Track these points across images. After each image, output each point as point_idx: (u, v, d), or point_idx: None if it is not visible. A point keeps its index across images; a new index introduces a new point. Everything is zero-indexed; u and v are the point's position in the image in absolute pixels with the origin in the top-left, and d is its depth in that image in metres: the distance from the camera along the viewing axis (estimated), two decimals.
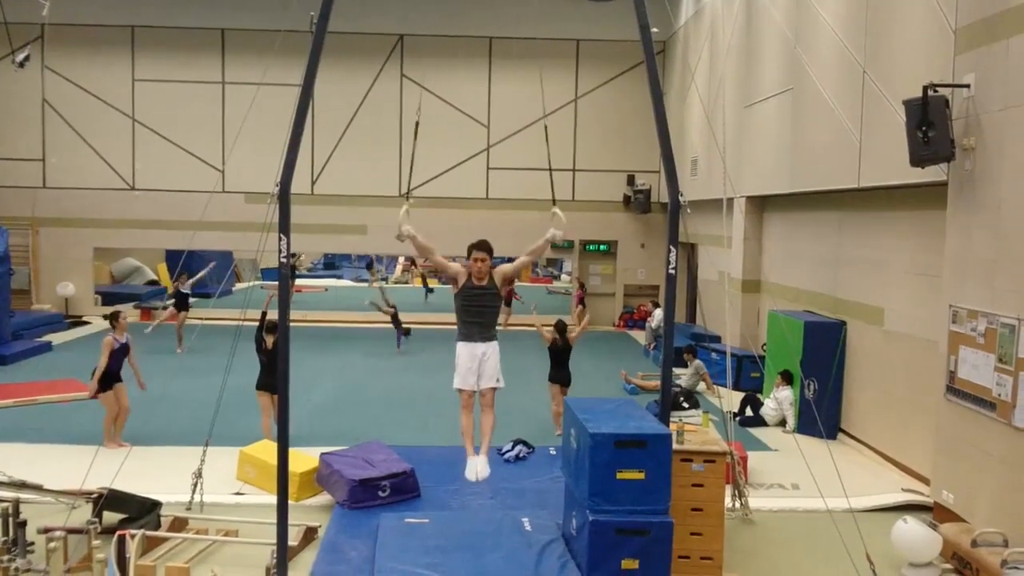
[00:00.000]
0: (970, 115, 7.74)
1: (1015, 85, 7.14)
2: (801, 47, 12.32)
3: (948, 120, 7.64)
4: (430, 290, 28.77)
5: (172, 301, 17.27)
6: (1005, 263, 7.30)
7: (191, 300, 17.37)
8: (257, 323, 10.53)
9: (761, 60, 14.33)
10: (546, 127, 8.10)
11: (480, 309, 7.07)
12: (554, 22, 21.26)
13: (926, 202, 9.33)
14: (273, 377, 9.34)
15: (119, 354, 10.36)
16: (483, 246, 7.13)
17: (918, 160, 7.94)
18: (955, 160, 7.84)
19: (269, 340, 10.11)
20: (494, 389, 7.14)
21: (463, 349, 7.08)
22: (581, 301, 22.12)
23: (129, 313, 22.02)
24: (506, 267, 7.34)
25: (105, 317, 11.10)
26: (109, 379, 10.23)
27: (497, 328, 7.26)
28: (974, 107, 7.69)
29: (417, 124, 7.88)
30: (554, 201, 7.79)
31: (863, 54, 10.24)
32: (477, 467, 7.01)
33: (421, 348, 17.93)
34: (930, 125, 7.65)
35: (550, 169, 8.05)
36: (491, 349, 7.09)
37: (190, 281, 17.45)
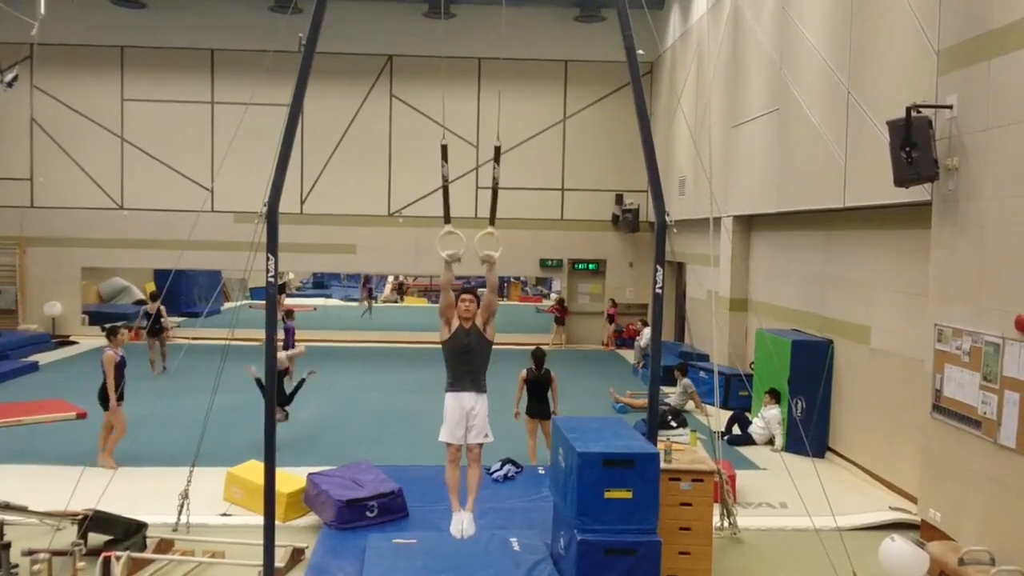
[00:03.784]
0: (953, 135, 7.82)
1: (997, 106, 7.23)
2: (787, 68, 12.45)
3: (931, 140, 7.71)
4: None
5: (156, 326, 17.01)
6: (989, 282, 7.36)
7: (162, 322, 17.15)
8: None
9: (747, 81, 14.47)
10: (497, 148, 7.45)
11: (469, 356, 6.82)
12: (543, 43, 21.45)
13: (911, 221, 9.41)
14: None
15: (121, 368, 10.29)
16: (468, 291, 7.05)
17: (902, 180, 8.02)
18: (939, 180, 7.91)
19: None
20: (481, 445, 6.97)
21: (452, 401, 6.82)
22: (612, 319, 22.17)
23: None
24: (485, 305, 6.97)
25: (103, 329, 10.98)
26: (117, 396, 10.15)
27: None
28: (957, 128, 7.77)
29: (444, 148, 7.25)
30: (492, 222, 7.31)
31: (847, 75, 10.36)
32: (463, 523, 6.78)
33: (407, 368, 17.89)
34: (914, 145, 7.73)
35: (494, 188, 7.51)
36: (480, 404, 6.82)
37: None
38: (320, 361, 17.04)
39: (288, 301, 31.06)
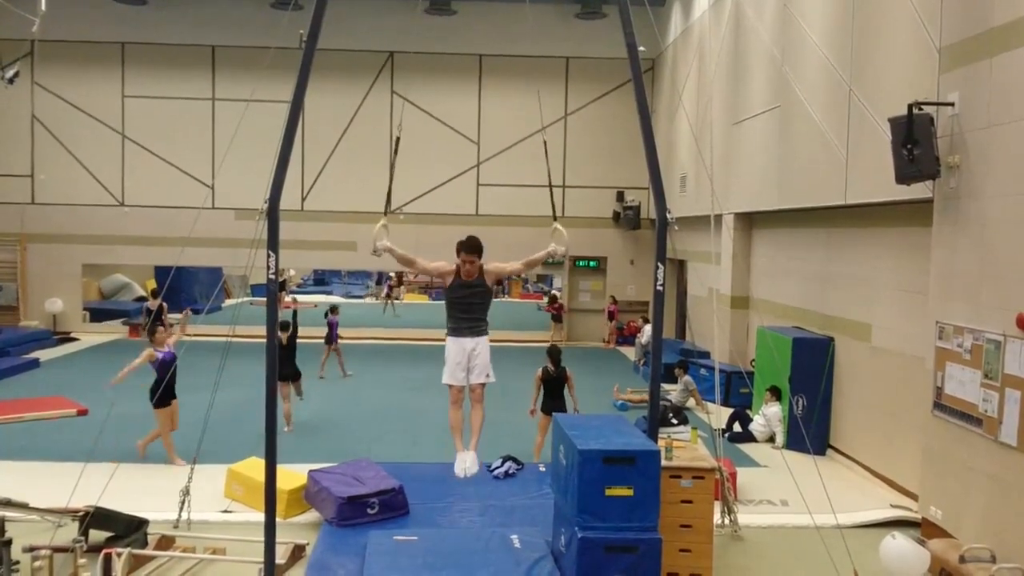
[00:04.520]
0: (955, 133, 7.81)
1: (999, 103, 7.22)
2: (788, 65, 12.43)
3: (933, 138, 7.70)
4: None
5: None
6: (990, 279, 7.35)
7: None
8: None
9: (749, 78, 14.45)
10: (545, 143, 8.15)
11: (469, 305, 6.99)
12: (544, 40, 21.41)
13: (912, 219, 9.40)
14: (287, 367, 11.72)
15: (167, 367, 10.11)
16: (472, 247, 6.99)
17: (903, 177, 8.01)
18: (940, 177, 7.90)
19: (283, 336, 11.55)
20: (484, 384, 7.06)
21: (452, 344, 6.99)
22: (612, 316, 22.19)
23: (116, 330, 22.10)
24: (500, 266, 7.18)
25: (149, 334, 10.93)
26: (165, 395, 10.02)
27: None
28: (959, 125, 7.76)
29: (398, 139, 7.84)
30: (555, 217, 7.69)
31: (849, 73, 10.34)
32: (466, 462, 6.92)
33: (408, 365, 17.88)
34: (915, 143, 7.72)
35: (550, 185, 8.01)
36: (481, 344, 6.98)
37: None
38: (319, 358, 17.14)
39: (288, 298, 31.06)
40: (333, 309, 16.98)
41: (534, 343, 20.44)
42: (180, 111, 21.60)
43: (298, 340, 12.43)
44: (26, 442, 11.09)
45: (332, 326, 16.38)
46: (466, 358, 6.95)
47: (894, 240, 10.11)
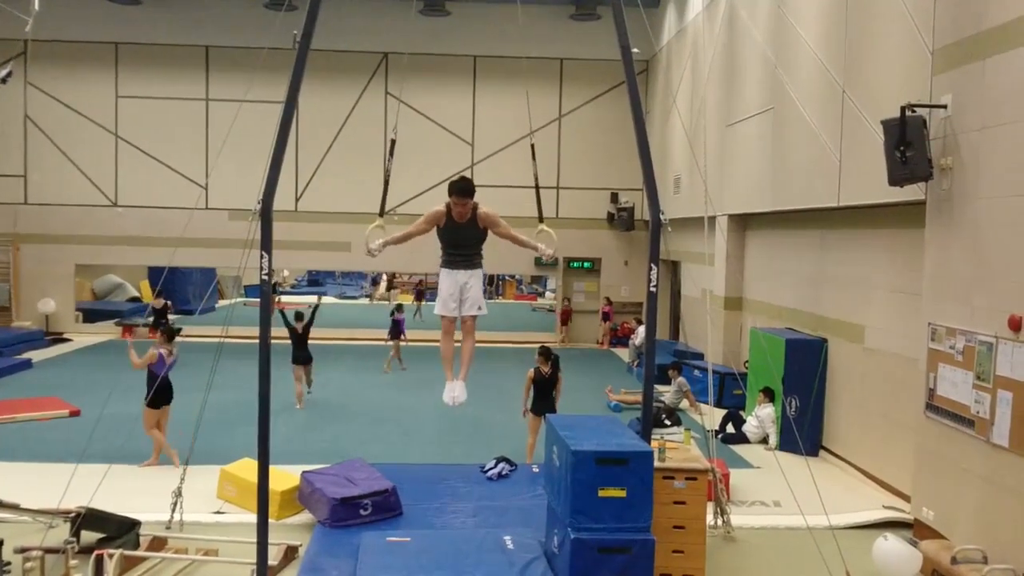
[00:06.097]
0: (947, 135, 7.83)
1: (991, 105, 7.24)
2: (782, 67, 12.45)
3: (926, 140, 7.72)
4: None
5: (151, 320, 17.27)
6: (983, 281, 7.37)
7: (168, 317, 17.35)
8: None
9: (742, 80, 14.47)
10: (532, 145, 8.14)
11: (461, 242, 7.05)
12: (538, 41, 21.44)
13: (905, 221, 9.42)
14: (301, 352, 13.34)
15: (159, 369, 9.97)
16: (462, 190, 6.91)
17: (896, 179, 8.03)
18: (933, 179, 7.92)
19: (299, 326, 13.37)
20: (475, 316, 7.12)
21: (445, 276, 7.08)
22: (607, 317, 22.19)
23: (109, 330, 22.04)
24: (495, 216, 7.10)
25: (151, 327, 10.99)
26: (157, 396, 9.91)
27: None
28: (951, 127, 7.78)
29: (393, 142, 7.84)
30: (540, 219, 7.77)
31: (842, 75, 10.37)
32: (455, 391, 7.00)
33: (404, 365, 17.87)
34: (908, 145, 7.74)
35: (536, 187, 8.03)
36: (474, 277, 7.07)
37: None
38: (315, 359, 17.13)
39: (283, 299, 31.00)
40: (399, 308, 18.34)
41: (527, 344, 20.43)
42: (173, 111, 21.56)
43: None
44: (18, 443, 11.05)
45: (398, 323, 17.64)
46: (458, 290, 7.03)
47: (887, 242, 10.13)
